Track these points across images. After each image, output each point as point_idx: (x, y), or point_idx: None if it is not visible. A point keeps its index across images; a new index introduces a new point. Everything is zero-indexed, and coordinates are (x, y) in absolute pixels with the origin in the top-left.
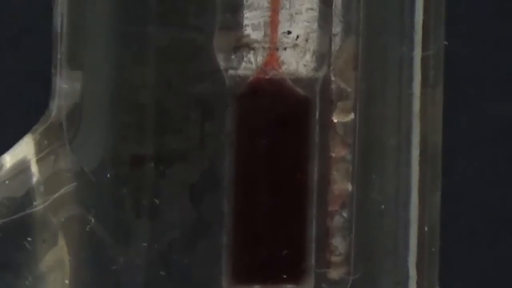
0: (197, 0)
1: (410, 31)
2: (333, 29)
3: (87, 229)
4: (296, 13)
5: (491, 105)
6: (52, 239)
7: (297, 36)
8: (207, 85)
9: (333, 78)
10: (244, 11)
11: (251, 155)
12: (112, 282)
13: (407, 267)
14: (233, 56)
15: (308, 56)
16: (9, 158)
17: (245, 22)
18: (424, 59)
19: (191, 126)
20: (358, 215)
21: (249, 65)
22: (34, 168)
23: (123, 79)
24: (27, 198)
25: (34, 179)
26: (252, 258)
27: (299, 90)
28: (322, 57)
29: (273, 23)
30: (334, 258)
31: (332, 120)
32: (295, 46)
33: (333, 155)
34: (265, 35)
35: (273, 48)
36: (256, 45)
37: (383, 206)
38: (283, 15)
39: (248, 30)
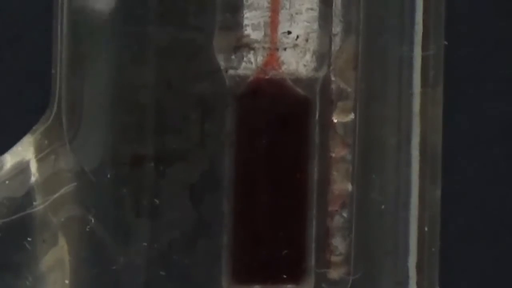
0: (197, 0)
1: (410, 31)
2: (333, 29)
3: (87, 229)
4: (296, 13)
5: (491, 105)
6: (52, 239)
7: (297, 36)
8: (207, 85)
9: (333, 78)
10: (244, 11)
11: (251, 155)
12: (112, 282)
13: (407, 267)
14: (233, 56)
15: (308, 56)
16: (9, 158)
17: (245, 22)
18: (424, 59)
19: (191, 126)
20: (358, 215)
21: (249, 65)
22: (34, 168)
23: (123, 79)
24: (27, 198)
25: (34, 179)
26: (252, 258)
27: (299, 90)
28: (322, 57)
29: (273, 23)
30: (334, 258)
31: (332, 120)
32: (295, 46)
33: (333, 155)
34: (265, 35)
35: (273, 48)
36: (256, 45)
37: (383, 206)
38: (283, 15)
39: (248, 30)
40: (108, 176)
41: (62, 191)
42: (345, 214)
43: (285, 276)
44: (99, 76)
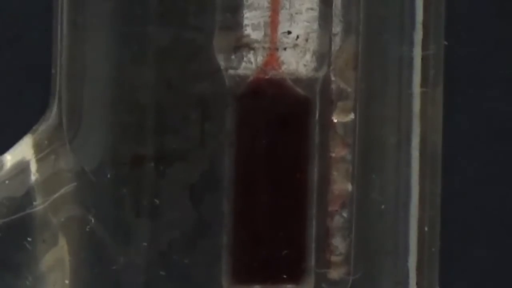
0: (197, 0)
1: (410, 31)
2: (333, 29)
3: (87, 229)
4: (296, 13)
5: (491, 105)
6: (52, 239)
7: (297, 36)
8: (207, 85)
9: (333, 78)
10: (244, 11)
11: (251, 155)
12: (112, 282)
13: (407, 267)
14: (233, 56)
15: (308, 56)
16: (9, 158)
17: (245, 22)
18: (424, 59)
19: (191, 126)
20: (358, 215)
21: (249, 65)
22: (34, 168)
23: (123, 79)
24: (27, 198)
25: (34, 179)
26: (252, 258)
27: (299, 90)
28: (322, 57)
29: (273, 23)
30: (334, 258)
31: (332, 120)
32: (295, 46)
33: (333, 155)
34: (265, 35)
35: (273, 48)
36: (256, 45)
37: (383, 206)
38: (283, 15)
39: (248, 30)
40: (108, 176)
41: (62, 191)
42: (345, 214)
43: (285, 276)
44: (99, 76)
